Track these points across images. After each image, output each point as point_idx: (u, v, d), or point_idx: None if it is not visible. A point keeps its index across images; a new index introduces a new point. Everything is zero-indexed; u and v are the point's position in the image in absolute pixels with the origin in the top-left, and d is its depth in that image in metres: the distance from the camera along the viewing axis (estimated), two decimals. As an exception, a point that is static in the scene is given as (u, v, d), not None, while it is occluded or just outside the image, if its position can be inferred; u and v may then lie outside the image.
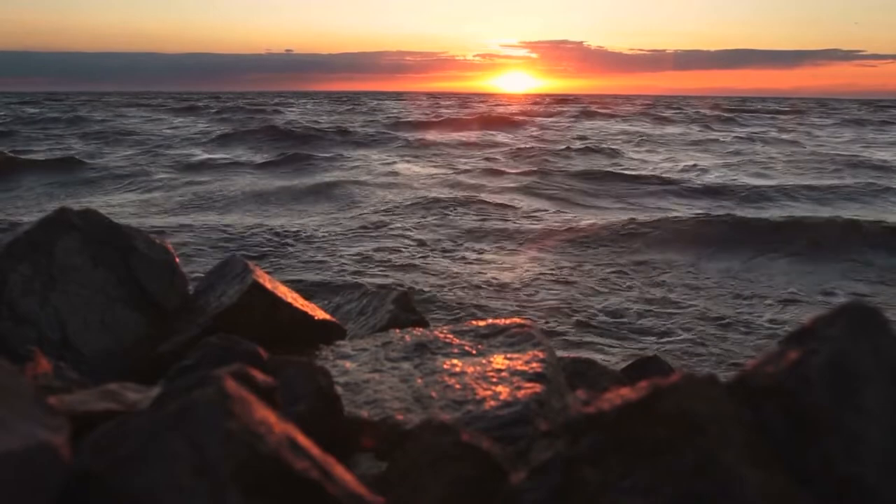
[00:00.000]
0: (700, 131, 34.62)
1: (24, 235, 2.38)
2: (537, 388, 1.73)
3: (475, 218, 11.53)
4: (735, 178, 17.63)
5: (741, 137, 30.07)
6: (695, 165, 19.75)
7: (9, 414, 0.89)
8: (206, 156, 20.71)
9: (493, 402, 1.68)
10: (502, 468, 1.19)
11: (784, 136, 31.32)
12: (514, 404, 1.65)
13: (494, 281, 7.95)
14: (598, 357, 5.13)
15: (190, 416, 0.90)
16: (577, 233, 10.42)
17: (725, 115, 48.90)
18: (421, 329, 2.34)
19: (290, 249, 9.17)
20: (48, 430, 0.89)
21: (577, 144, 24.48)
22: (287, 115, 42.21)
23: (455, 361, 1.96)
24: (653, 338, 6.34)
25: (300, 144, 23.67)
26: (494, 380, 1.80)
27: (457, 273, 8.20)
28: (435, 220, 11.29)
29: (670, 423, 0.99)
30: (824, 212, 12.47)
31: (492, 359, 1.94)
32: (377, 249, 9.15)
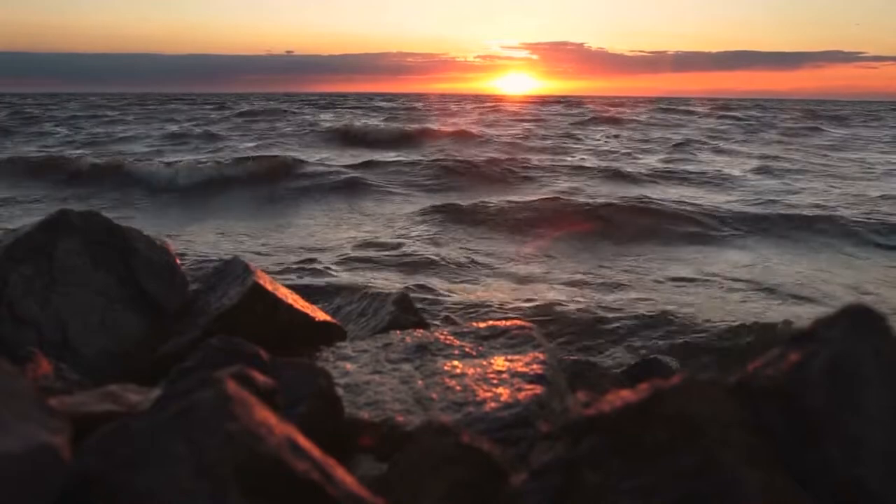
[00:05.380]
0: None
1: (25, 237, 2.38)
2: (538, 389, 1.73)
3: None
4: None
5: None
6: None
7: (9, 415, 0.89)
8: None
9: (493, 404, 1.68)
10: (503, 470, 1.19)
11: None
12: (515, 406, 1.65)
13: (494, 282, 7.95)
14: (598, 359, 5.13)
15: (191, 418, 0.90)
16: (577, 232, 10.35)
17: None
18: (421, 330, 2.34)
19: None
20: (49, 431, 0.89)
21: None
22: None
23: (456, 363, 1.96)
24: (654, 338, 6.33)
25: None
26: (495, 381, 1.80)
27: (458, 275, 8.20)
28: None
29: (671, 425, 0.99)
30: None
31: (492, 360, 1.94)
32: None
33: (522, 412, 1.62)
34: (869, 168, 18.77)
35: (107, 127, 30.53)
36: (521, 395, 1.69)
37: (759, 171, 17.38)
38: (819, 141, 27.52)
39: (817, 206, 12.18)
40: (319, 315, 2.48)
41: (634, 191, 13.96)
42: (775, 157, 20.50)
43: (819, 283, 7.63)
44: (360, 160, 17.84)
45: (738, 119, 40.28)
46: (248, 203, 12.89)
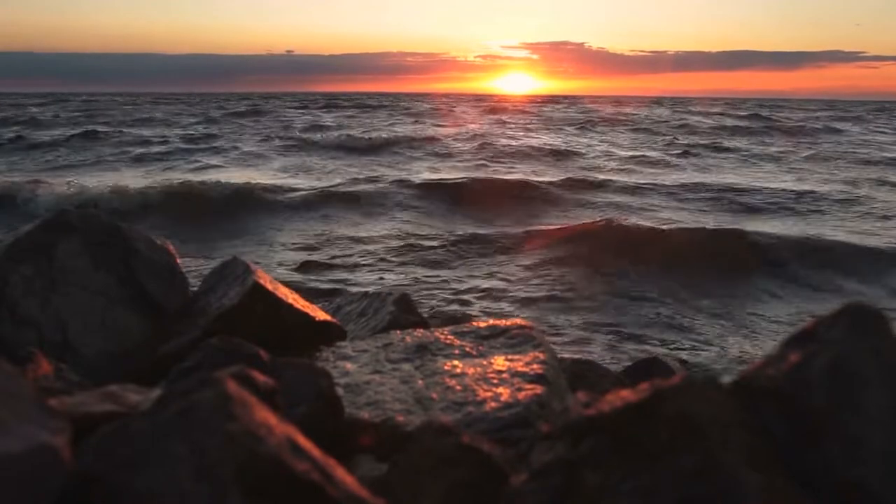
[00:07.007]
0: None
1: (25, 237, 2.38)
2: (538, 389, 1.73)
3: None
4: None
5: None
6: None
7: (9, 416, 0.89)
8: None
9: (493, 404, 1.67)
10: (503, 470, 1.19)
11: None
12: (515, 406, 1.65)
13: (495, 283, 7.94)
14: (598, 359, 5.13)
15: (191, 418, 0.90)
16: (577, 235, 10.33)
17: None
18: (421, 330, 2.34)
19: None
20: (49, 431, 0.89)
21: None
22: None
23: (456, 363, 1.96)
24: (654, 340, 6.33)
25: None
26: (495, 381, 1.80)
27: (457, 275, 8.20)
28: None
29: (671, 426, 0.98)
30: None
31: (492, 360, 1.94)
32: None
33: (522, 412, 1.62)
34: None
35: (104, 127, 30.42)
36: (522, 395, 1.69)
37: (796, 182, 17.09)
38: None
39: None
40: (319, 315, 2.47)
41: (639, 201, 13.96)
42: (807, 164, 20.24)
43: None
44: (361, 169, 17.84)
45: (752, 119, 39.87)
46: (250, 213, 12.88)
